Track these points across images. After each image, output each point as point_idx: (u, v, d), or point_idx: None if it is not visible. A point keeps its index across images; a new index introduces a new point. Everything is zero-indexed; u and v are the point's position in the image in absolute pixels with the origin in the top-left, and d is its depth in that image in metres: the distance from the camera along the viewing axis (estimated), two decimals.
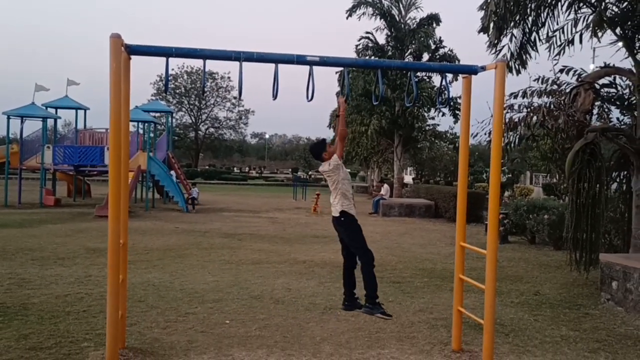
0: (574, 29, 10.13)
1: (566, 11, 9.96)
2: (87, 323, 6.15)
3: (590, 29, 9.44)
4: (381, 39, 28.74)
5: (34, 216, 17.56)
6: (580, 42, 10.12)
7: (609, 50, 9.80)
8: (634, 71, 9.24)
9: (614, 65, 9.68)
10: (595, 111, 10.16)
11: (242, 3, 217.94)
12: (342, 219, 5.49)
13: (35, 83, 23.11)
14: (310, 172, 70.02)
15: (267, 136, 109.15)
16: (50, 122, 24.10)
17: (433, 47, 28.17)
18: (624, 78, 9.84)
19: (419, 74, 26.61)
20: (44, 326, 5.98)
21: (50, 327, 5.97)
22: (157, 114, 36.27)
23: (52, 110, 24.07)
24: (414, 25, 28.34)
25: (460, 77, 5.69)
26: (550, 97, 10.29)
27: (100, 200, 21.79)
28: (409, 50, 28.42)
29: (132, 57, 4.92)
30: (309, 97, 4.99)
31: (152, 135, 24.76)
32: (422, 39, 27.67)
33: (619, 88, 10.17)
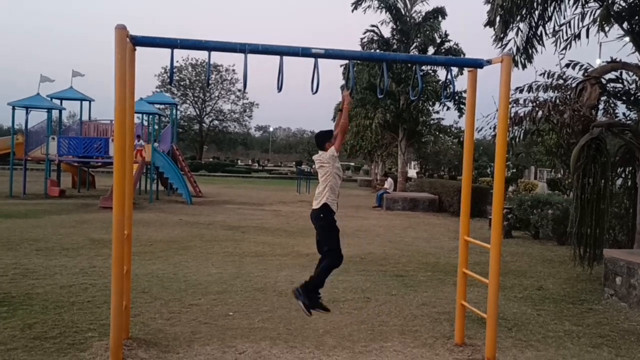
0: (580, 24, 10.08)
1: (573, 5, 9.92)
2: (91, 313, 6.19)
3: (597, 23, 9.39)
4: (386, 32, 28.70)
5: (39, 207, 17.62)
6: (587, 36, 10.08)
7: (615, 45, 9.76)
8: None
9: (620, 60, 9.63)
10: (601, 106, 10.13)
11: None
12: (322, 215, 5.36)
13: (40, 74, 23.17)
14: (313, 166, 70.02)
15: (271, 129, 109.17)
16: (55, 113, 24.10)
17: (438, 40, 28.09)
18: (631, 73, 9.79)
19: (424, 67, 26.55)
20: (49, 316, 6.01)
21: (54, 317, 6.00)
22: (162, 106, 36.27)
23: (57, 102, 24.08)
24: (420, 19, 28.24)
25: (465, 71, 5.66)
26: (556, 91, 10.26)
27: (104, 192, 21.85)
28: (415, 44, 28.34)
29: (137, 48, 4.92)
30: (314, 90, 4.98)
31: (156, 127, 24.77)
32: (428, 32, 27.57)
33: (626, 83, 10.12)
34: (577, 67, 10.27)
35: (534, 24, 10.26)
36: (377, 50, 27.38)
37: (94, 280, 7.76)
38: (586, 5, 9.89)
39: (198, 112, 69.45)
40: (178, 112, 49.45)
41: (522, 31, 10.39)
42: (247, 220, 16.19)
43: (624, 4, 9.50)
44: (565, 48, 10.34)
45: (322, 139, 5.59)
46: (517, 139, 10.54)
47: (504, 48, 10.44)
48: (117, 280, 4.68)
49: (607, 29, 9.47)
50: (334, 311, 6.69)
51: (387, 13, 27.87)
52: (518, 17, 10.14)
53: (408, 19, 28.36)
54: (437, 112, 32.72)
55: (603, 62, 10.27)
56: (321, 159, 5.46)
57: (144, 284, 7.60)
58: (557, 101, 9.66)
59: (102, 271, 8.35)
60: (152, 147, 21.70)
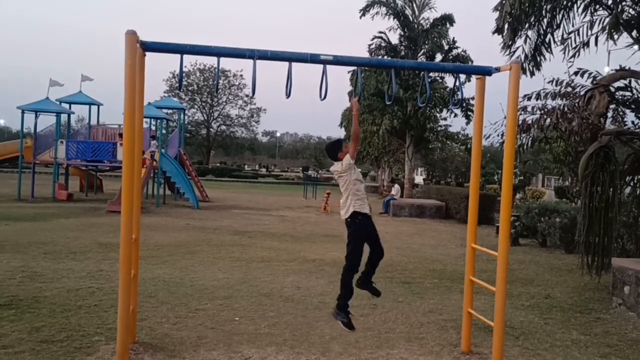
0: (589, 31, 10.08)
1: (582, 13, 9.92)
2: (98, 317, 6.20)
3: (606, 31, 9.37)
4: (394, 38, 28.76)
5: (47, 210, 17.71)
6: (596, 44, 10.07)
7: (624, 53, 9.74)
8: None
9: (629, 68, 9.60)
10: (609, 114, 10.08)
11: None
12: (357, 220, 5.34)
13: (49, 78, 23.35)
14: (320, 171, 70.16)
15: (278, 134, 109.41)
16: (63, 117, 24.28)
17: (446, 47, 28.11)
18: None
19: (431, 74, 26.58)
20: (56, 319, 6.03)
21: (61, 320, 6.02)
22: (170, 111, 36.43)
23: (66, 106, 24.26)
24: (428, 26, 28.30)
25: (473, 78, 5.66)
26: (564, 99, 10.23)
27: (112, 196, 21.93)
28: (422, 51, 28.38)
29: (147, 53, 4.95)
30: (322, 96, 4.98)
31: (164, 132, 24.88)
32: (436, 39, 27.61)
33: (635, 91, 10.08)
34: (586, 75, 10.25)
35: (542, 32, 10.26)
36: (385, 57, 27.43)
37: (101, 284, 7.78)
38: (595, 14, 9.89)
39: (206, 117, 69.80)
40: (186, 117, 49.63)
41: (530, 39, 10.40)
42: (253, 225, 16.20)
43: (633, 12, 9.48)
44: (573, 56, 10.33)
45: (333, 150, 5.54)
46: (525, 147, 10.51)
47: (512, 55, 10.44)
48: (125, 284, 4.70)
49: (616, 37, 9.46)
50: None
51: (395, 20, 27.95)
52: (526, 25, 10.15)
53: (416, 25, 28.42)
54: (445, 119, 32.74)
55: (612, 70, 10.24)
56: (338, 170, 5.41)
57: (150, 288, 7.61)
58: (566, 109, 9.63)
59: (109, 275, 8.38)
60: (160, 152, 21.79)
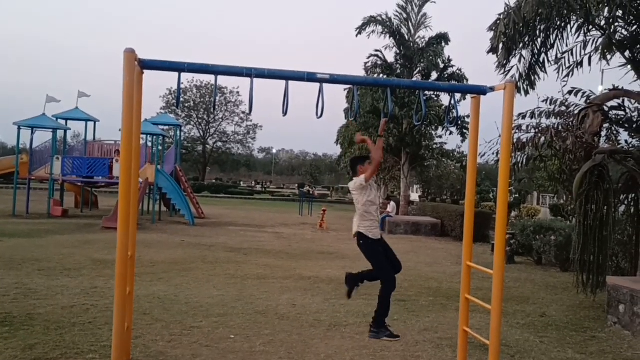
0: (583, 51, 10.18)
1: (575, 33, 10.02)
2: (92, 334, 6.16)
3: (599, 51, 9.49)
4: (390, 57, 28.92)
5: (42, 226, 17.64)
6: (589, 64, 10.17)
7: (618, 72, 9.85)
8: None
9: (622, 87, 9.70)
10: (603, 133, 10.16)
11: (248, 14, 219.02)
12: (361, 241, 5.59)
13: (46, 94, 23.41)
14: (315, 188, 70.24)
15: (274, 151, 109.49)
16: (60, 133, 24.31)
17: (442, 66, 28.31)
18: (633, 101, 9.85)
19: (427, 92, 26.75)
20: (50, 337, 5.99)
21: (56, 337, 5.98)
22: (166, 127, 36.45)
23: (63, 122, 24.29)
24: (423, 44, 28.51)
25: (468, 96, 5.70)
26: (558, 118, 10.32)
27: (107, 212, 21.86)
28: (418, 69, 28.57)
29: (144, 71, 4.98)
30: (319, 114, 5.01)
31: (160, 148, 24.91)
32: (431, 58, 27.82)
33: (628, 111, 10.18)
34: (580, 94, 10.35)
35: (536, 52, 10.36)
36: (381, 75, 27.61)
37: (96, 301, 7.74)
38: (588, 34, 10.00)
39: (202, 134, 69.90)
40: (182, 134, 49.67)
41: (524, 58, 10.49)
42: (249, 242, 16.17)
43: (625, 33, 9.61)
44: (567, 75, 10.43)
45: (355, 164, 5.77)
46: (520, 165, 10.57)
47: (506, 74, 10.53)
48: (120, 301, 4.67)
49: (609, 57, 9.57)
50: (336, 335, 6.67)
51: (391, 38, 28.14)
52: (521, 45, 10.25)
53: (412, 44, 28.63)
54: (440, 137, 32.89)
55: (605, 89, 10.33)
56: (351, 186, 5.67)
57: (145, 306, 7.57)
58: (560, 128, 9.71)
59: (103, 292, 8.34)
60: (156, 168, 21.79)
